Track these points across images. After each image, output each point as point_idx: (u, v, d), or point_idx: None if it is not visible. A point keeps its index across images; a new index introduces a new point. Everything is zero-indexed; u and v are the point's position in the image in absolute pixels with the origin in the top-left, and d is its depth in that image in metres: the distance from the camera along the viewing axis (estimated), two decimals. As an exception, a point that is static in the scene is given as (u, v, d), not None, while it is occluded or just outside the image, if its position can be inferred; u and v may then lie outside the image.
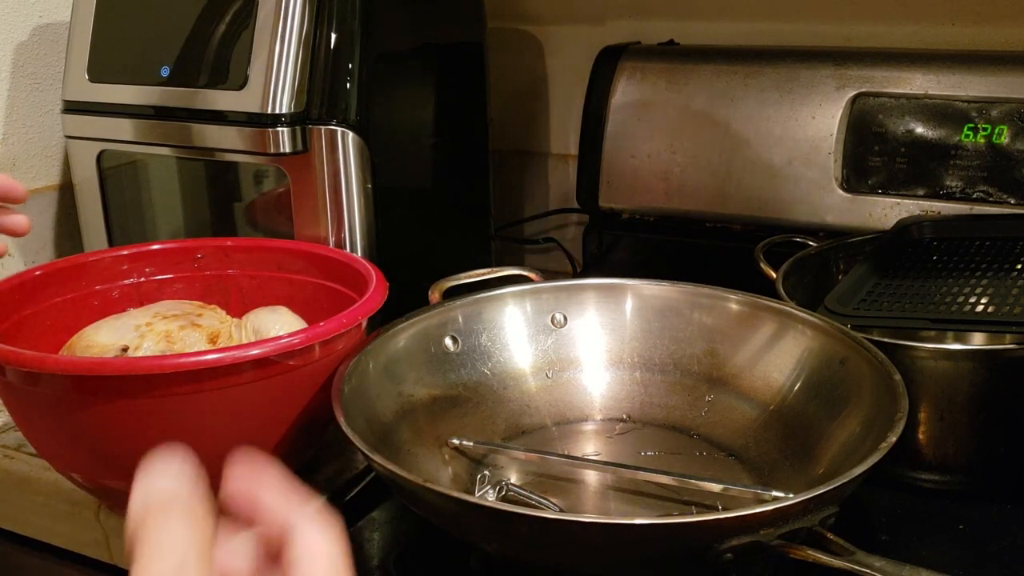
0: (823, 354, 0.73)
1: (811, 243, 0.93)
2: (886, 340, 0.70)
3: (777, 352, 0.76)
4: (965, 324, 0.77)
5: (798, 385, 0.74)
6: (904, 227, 0.90)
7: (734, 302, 0.80)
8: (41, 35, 1.12)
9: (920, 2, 1.05)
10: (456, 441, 0.74)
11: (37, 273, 0.79)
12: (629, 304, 0.83)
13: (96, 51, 0.99)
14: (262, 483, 0.40)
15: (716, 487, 0.68)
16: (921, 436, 0.71)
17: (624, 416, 0.80)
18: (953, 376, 0.70)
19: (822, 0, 1.10)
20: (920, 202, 0.95)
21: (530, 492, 0.69)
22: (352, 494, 0.76)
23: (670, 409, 0.79)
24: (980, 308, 0.75)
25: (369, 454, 0.59)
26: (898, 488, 0.73)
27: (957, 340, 0.84)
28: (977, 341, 0.84)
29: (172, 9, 0.96)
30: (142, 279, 0.84)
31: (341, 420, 0.63)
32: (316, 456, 0.78)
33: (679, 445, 0.76)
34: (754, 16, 1.13)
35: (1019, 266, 0.80)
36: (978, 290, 0.77)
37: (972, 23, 1.03)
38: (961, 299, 0.76)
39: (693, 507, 0.67)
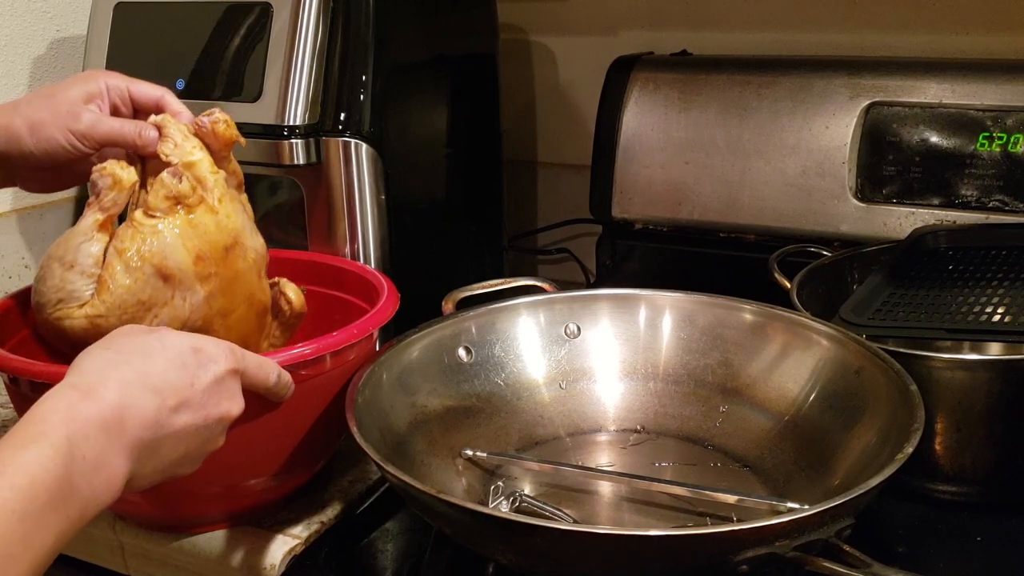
0: (838, 364, 0.73)
1: (825, 253, 0.93)
2: (902, 350, 0.70)
3: (792, 362, 0.76)
4: (981, 334, 0.76)
5: (813, 396, 0.74)
6: (919, 236, 0.90)
7: (748, 312, 0.80)
8: (58, 49, 1.13)
9: (934, 11, 1.05)
10: (469, 452, 0.74)
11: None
12: (643, 314, 0.83)
13: (112, 64, 1.00)
14: None
15: (731, 498, 0.67)
16: (938, 447, 0.71)
17: (638, 427, 0.80)
18: (970, 386, 0.70)
19: (835, 10, 1.10)
20: (935, 211, 0.95)
21: (544, 503, 0.69)
22: (366, 505, 0.76)
23: (684, 420, 0.79)
24: (997, 318, 0.75)
25: (383, 465, 0.59)
26: (915, 500, 0.72)
27: (974, 350, 0.84)
28: (994, 351, 0.83)
29: (187, 22, 0.96)
30: (157, 290, 0.84)
31: (355, 431, 0.63)
32: (330, 466, 0.78)
33: (693, 456, 0.76)
34: (767, 26, 1.13)
35: (1036, 276, 0.80)
36: (995, 300, 0.77)
37: (986, 32, 1.03)
38: (977, 309, 0.76)
39: (708, 519, 0.67)
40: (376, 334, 0.75)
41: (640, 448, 0.78)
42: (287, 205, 0.98)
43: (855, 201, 0.98)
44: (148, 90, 0.71)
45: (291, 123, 0.88)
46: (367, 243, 0.93)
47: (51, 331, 0.66)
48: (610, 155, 1.08)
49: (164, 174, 0.66)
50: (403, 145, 0.96)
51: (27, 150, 0.67)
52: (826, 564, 0.53)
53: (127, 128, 0.68)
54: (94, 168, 0.66)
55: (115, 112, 0.70)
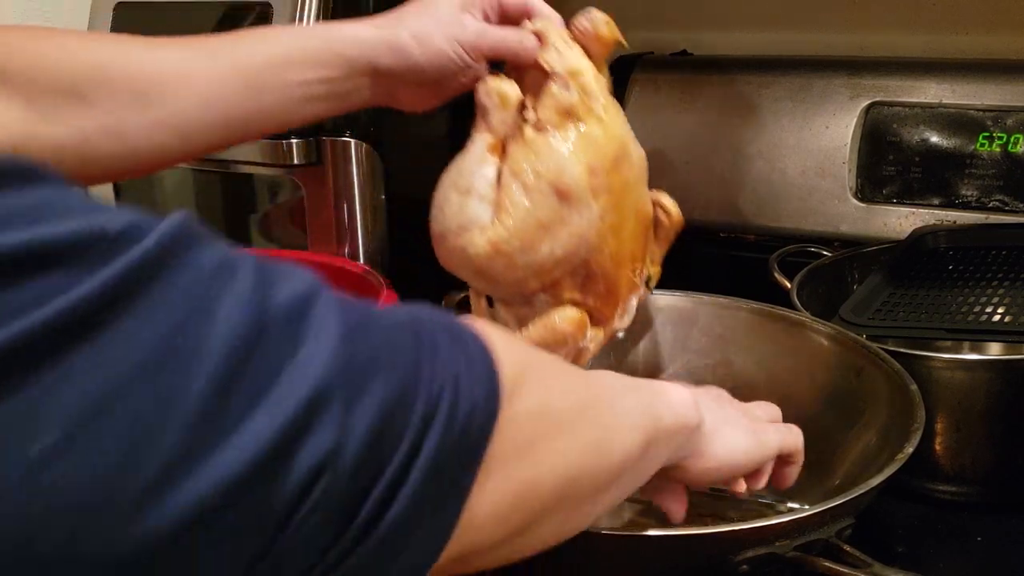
0: (839, 365, 0.73)
1: (826, 253, 0.93)
2: (902, 350, 0.70)
3: (792, 363, 0.76)
4: (981, 334, 0.77)
5: (813, 396, 0.73)
6: (919, 237, 0.90)
7: (748, 312, 0.80)
8: (57, 49, 1.13)
9: (934, 11, 1.05)
10: (469, 452, 0.74)
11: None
12: (643, 315, 0.83)
13: (112, 64, 1.00)
14: None
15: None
16: (938, 447, 0.71)
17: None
18: (970, 386, 0.70)
19: (835, 9, 1.10)
20: (935, 211, 0.95)
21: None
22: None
23: (684, 419, 0.79)
24: (997, 318, 0.75)
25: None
26: (915, 500, 0.72)
27: (973, 350, 0.84)
28: (994, 351, 0.83)
29: (187, 23, 0.96)
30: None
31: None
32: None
33: (693, 456, 0.76)
34: (767, 26, 1.13)
35: (1036, 276, 0.80)
36: (995, 300, 0.77)
37: (986, 32, 1.03)
38: (977, 309, 0.76)
39: (706, 519, 0.67)
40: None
41: (640, 448, 0.78)
42: (287, 205, 0.98)
43: (855, 201, 0.98)
44: None
45: (291, 123, 0.88)
46: (367, 243, 0.93)
47: (454, 260, 0.63)
48: (610, 155, 1.08)
49: (553, 86, 0.61)
50: (403, 145, 0.96)
51: (415, 63, 0.63)
52: (826, 564, 0.53)
53: (510, 37, 0.63)
54: (479, 88, 0.62)
55: (484, 19, 0.65)
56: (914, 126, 0.95)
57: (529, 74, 0.63)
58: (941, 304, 0.78)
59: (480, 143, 0.62)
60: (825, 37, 1.10)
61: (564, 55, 0.62)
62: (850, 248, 0.94)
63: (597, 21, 0.64)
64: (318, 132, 0.89)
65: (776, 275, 0.87)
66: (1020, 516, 0.71)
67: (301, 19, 0.88)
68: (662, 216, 0.71)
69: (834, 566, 0.52)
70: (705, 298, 0.81)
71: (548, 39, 0.63)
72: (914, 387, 0.65)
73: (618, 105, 0.66)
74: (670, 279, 0.86)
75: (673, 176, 1.06)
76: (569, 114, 0.61)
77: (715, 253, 1.06)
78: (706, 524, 0.66)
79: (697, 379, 0.80)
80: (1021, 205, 0.91)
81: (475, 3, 0.65)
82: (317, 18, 0.88)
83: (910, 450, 0.58)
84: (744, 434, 0.56)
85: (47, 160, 0.29)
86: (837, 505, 0.53)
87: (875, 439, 0.65)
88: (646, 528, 0.67)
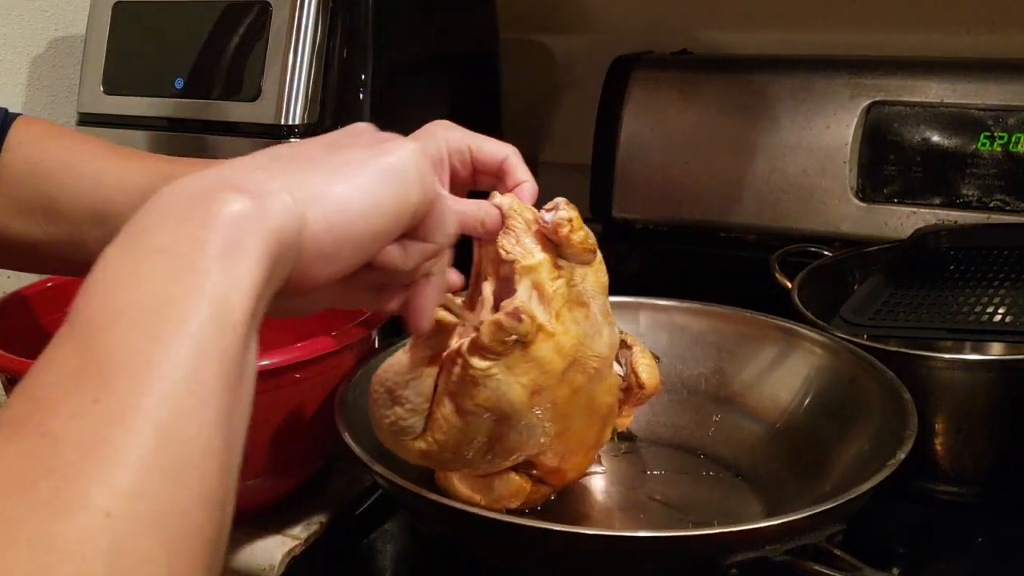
0: (831, 372, 0.72)
1: (826, 253, 0.93)
2: (902, 350, 0.70)
3: (785, 371, 0.75)
4: (983, 334, 0.76)
5: (806, 403, 0.73)
6: (920, 236, 0.89)
7: (741, 321, 0.79)
8: (57, 48, 1.13)
9: (935, 10, 1.05)
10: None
11: (49, 285, 0.80)
12: (636, 322, 0.82)
13: (111, 64, 1.00)
14: None
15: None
16: (938, 448, 0.70)
17: (631, 435, 0.79)
18: (970, 387, 0.69)
19: (836, 9, 1.09)
20: (936, 211, 0.94)
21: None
22: (366, 505, 0.76)
23: (677, 428, 0.78)
24: (998, 318, 0.74)
25: (370, 464, 0.59)
26: (916, 500, 0.72)
27: (974, 350, 0.83)
28: (995, 351, 0.82)
29: (186, 21, 0.96)
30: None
31: (343, 431, 0.63)
32: (329, 467, 0.78)
33: (686, 464, 0.75)
34: (768, 25, 1.13)
35: (1037, 276, 0.79)
36: (996, 300, 0.77)
37: (987, 31, 1.02)
38: (979, 309, 0.76)
39: (690, 523, 0.67)
40: (376, 335, 0.75)
41: (632, 456, 0.77)
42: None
43: (856, 201, 0.97)
44: (492, 150, 0.63)
45: (290, 122, 0.89)
46: (366, 243, 0.92)
47: (390, 448, 0.63)
48: (610, 155, 1.08)
49: (503, 318, 0.55)
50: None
51: None
52: (816, 568, 0.52)
53: (470, 213, 0.57)
54: None
55: (454, 174, 0.62)
56: (915, 125, 0.95)
57: (486, 248, 0.60)
58: (942, 304, 0.78)
59: (421, 354, 0.58)
60: (826, 36, 1.10)
61: (522, 243, 0.58)
62: (851, 248, 0.93)
63: (560, 222, 0.58)
64: (317, 132, 0.89)
65: (777, 275, 0.86)
66: (1021, 517, 0.70)
67: (300, 19, 0.88)
68: (635, 385, 0.69)
69: (824, 570, 0.52)
70: (698, 306, 0.81)
71: (509, 224, 0.58)
72: (907, 395, 0.64)
73: (587, 297, 0.61)
74: (669, 280, 0.86)
75: (673, 176, 1.06)
76: (517, 340, 0.55)
77: (715, 253, 1.06)
78: (693, 527, 0.65)
79: (690, 388, 0.79)
80: (1022, 205, 0.91)
81: (443, 161, 0.61)
82: (316, 18, 0.88)
83: (902, 456, 0.58)
84: (360, 169, 0.45)
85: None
86: (827, 510, 0.53)
87: (868, 446, 0.65)
88: (635, 529, 0.67)
